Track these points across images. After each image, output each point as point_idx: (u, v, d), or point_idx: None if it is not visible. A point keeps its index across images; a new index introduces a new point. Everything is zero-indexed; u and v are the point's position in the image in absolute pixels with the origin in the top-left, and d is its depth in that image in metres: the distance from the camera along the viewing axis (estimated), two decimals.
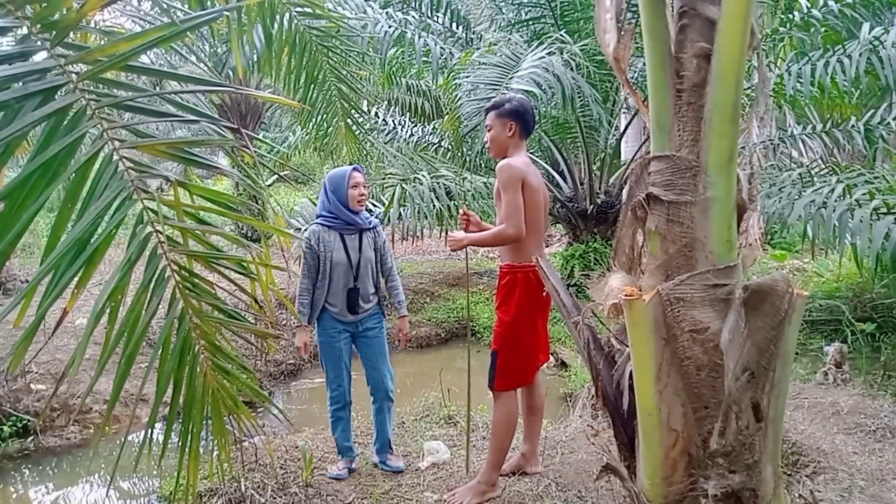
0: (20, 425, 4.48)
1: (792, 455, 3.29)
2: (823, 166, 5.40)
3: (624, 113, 8.14)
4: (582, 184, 8.08)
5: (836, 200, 4.41)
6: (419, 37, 6.81)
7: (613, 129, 8.01)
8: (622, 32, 1.79)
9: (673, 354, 1.61)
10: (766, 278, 1.60)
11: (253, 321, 2.28)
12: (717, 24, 1.64)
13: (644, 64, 1.76)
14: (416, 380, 6.01)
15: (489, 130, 2.98)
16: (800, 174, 5.13)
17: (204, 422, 1.92)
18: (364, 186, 3.26)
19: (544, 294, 2.88)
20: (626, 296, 1.62)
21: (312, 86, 4.79)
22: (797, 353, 5.04)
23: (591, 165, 7.90)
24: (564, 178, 8.33)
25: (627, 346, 1.77)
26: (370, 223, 3.32)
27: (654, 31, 1.71)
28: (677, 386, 1.62)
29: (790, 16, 5.93)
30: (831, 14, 5.67)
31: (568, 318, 1.98)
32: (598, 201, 7.92)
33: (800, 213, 4.62)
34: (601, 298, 1.75)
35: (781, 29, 6.03)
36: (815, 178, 4.97)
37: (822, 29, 5.75)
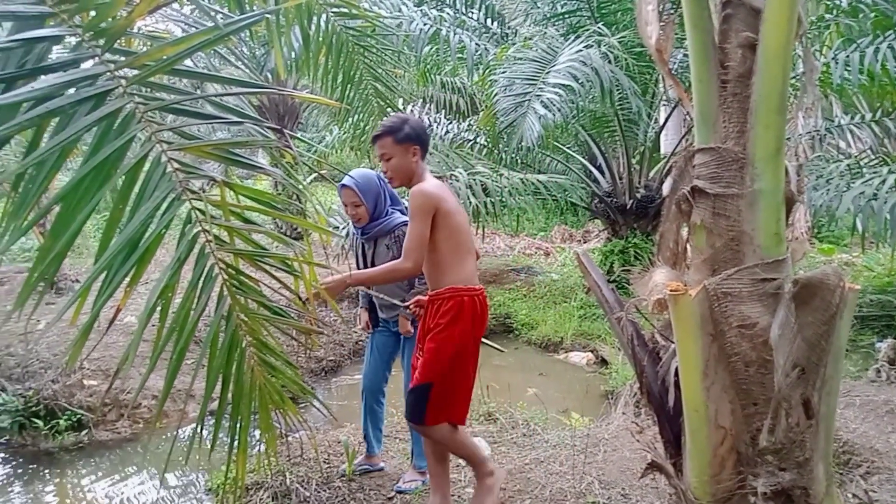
0: (74, 419, 4.65)
1: (843, 454, 3.20)
2: (873, 157, 5.23)
3: (664, 105, 8.01)
4: (621, 178, 7.97)
5: (887, 192, 4.27)
6: (454, 34, 6.81)
7: (653, 121, 7.88)
8: (664, 24, 1.76)
9: (720, 350, 1.58)
10: (817, 272, 1.56)
11: (296, 318, 2.32)
12: (763, 12, 1.60)
13: (684, 55, 1.74)
14: None
15: (387, 160, 2.65)
16: (848, 165, 4.99)
17: (251, 416, 1.96)
18: (356, 206, 3.04)
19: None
20: (671, 291, 1.60)
21: (349, 85, 4.83)
22: (847, 350, 4.89)
23: (630, 159, 7.79)
24: (602, 173, 8.24)
25: (672, 343, 1.75)
26: (385, 227, 3.09)
27: (697, 22, 1.68)
28: (725, 382, 1.59)
29: (837, 2, 5.75)
30: None
31: (611, 314, 1.96)
32: (638, 196, 7.81)
33: (848, 206, 4.49)
34: (645, 294, 1.73)
35: (828, 16, 5.85)
36: (865, 170, 4.83)
37: (872, 14, 5.55)
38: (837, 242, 8.67)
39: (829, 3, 5.93)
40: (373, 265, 3.11)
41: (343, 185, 3.03)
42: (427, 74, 8.55)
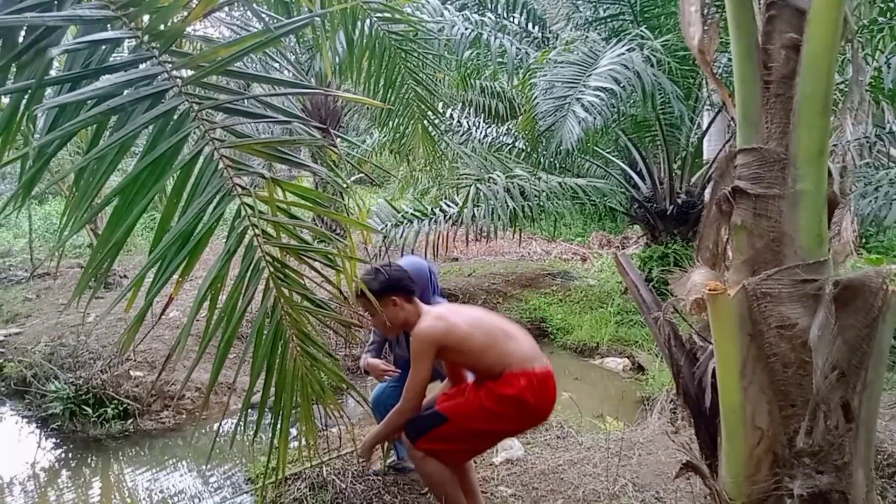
0: (121, 408, 4.83)
1: (888, 466, 3.12)
2: None
3: (707, 110, 7.88)
4: (661, 183, 7.88)
5: None
6: (495, 38, 6.84)
7: (696, 126, 7.77)
8: (707, 25, 1.77)
9: (759, 351, 1.58)
10: (859, 273, 1.55)
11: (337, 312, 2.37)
12: (807, 13, 1.60)
13: (728, 59, 1.74)
14: None
15: (374, 317, 2.54)
16: None
17: (293, 408, 2.02)
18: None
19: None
20: (710, 290, 1.60)
21: (390, 89, 4.90)
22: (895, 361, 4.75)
23: (671, 164, 7.70)
24: (643, 178, 8.16)
25: (710, 343, 1.75)
26: None
27: (741, 23, 1.68)
28: (763, 383, 1.58)
29: (891, 4, 5.59)
30: None
31: (648, 314, 1.97)
32: (679, 201, 7.70)
33: None
34: (683, 294, 1.73)
35: (881, 19, 5.70)
36: None
37: None
38: (887, 253, 8.41)
39: (882, 5, 5.77)
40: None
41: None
42: (467, 78, 8.59)
